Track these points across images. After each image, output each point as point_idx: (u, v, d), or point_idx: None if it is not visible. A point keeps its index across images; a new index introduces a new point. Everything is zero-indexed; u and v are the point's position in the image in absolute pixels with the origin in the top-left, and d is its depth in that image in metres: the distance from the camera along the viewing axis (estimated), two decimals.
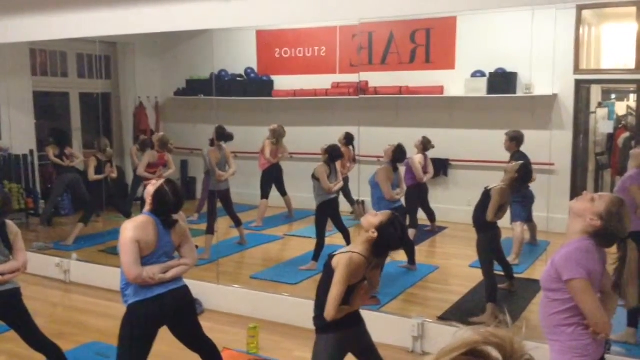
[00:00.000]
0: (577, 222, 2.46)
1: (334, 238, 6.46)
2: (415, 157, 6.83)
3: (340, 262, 2.84)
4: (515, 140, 5.97)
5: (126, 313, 3.23)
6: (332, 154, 6.29)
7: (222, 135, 6.95)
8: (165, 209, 3.25)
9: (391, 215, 2.95)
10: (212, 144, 8.05)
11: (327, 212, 6.19)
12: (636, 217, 4.23)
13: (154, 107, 10.04)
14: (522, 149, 6.01)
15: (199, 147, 8.82)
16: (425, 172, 6.87)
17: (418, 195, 6.77)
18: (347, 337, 2.97)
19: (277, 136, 7.97)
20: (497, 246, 5.09)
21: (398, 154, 5.99)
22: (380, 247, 2.90)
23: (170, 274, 3.24)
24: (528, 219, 6.30)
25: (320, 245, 6.08)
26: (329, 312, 2.83)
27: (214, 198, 6.71)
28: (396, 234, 2.91)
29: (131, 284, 3.20)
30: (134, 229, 3.15)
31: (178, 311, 3.32)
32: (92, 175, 7.33)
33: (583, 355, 2.39)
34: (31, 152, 8.34)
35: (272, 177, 8.09)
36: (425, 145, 6.95)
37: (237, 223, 7.06)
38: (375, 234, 2.87)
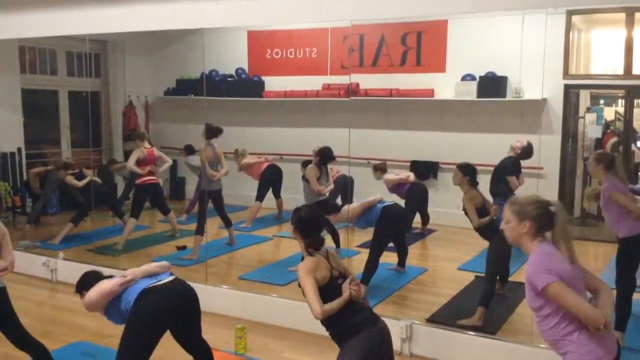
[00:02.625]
0: (523, 241, 2.52)
1: None
2: (387, 176, 7.17)
3: (297, 273, 3.01)
4: (522, 150, 6.08)
5: (130, 315, 3.22)
6: (323, 157, 6.26)
7: (212, 131, 6.70)
8: (90, 277, 3.45)
9: (296, 208, 3.24)
10: (188, 152, 8.16)
11: None
12: (630, 221, 4.25)
13: (144, 107, 10.00)
14: None
15: None
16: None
17: (417, 195, 6.81)
18: (369, 339, 2.89)
19: (241, 152, 8.21)
20: (508, 252, 4.93)
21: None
22: (304, 233, 3.10)
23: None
24: None
25: None
26: (314, 309, 2.87)
27: (205, 198, 6.67)
28: (302, 214, 3.13)
29: (121, 300, 3.25)
30: (93, 292, 3.32)
31: (182, 301, 3.31)
32: (79, 184, 7.47)
33: (598, 356, 2.37)
34: (19, 150, 8.27)
35: (271, 179, 8.08)
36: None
37: (227, 224, 7.03)
38: (296, 231, 3.12)
